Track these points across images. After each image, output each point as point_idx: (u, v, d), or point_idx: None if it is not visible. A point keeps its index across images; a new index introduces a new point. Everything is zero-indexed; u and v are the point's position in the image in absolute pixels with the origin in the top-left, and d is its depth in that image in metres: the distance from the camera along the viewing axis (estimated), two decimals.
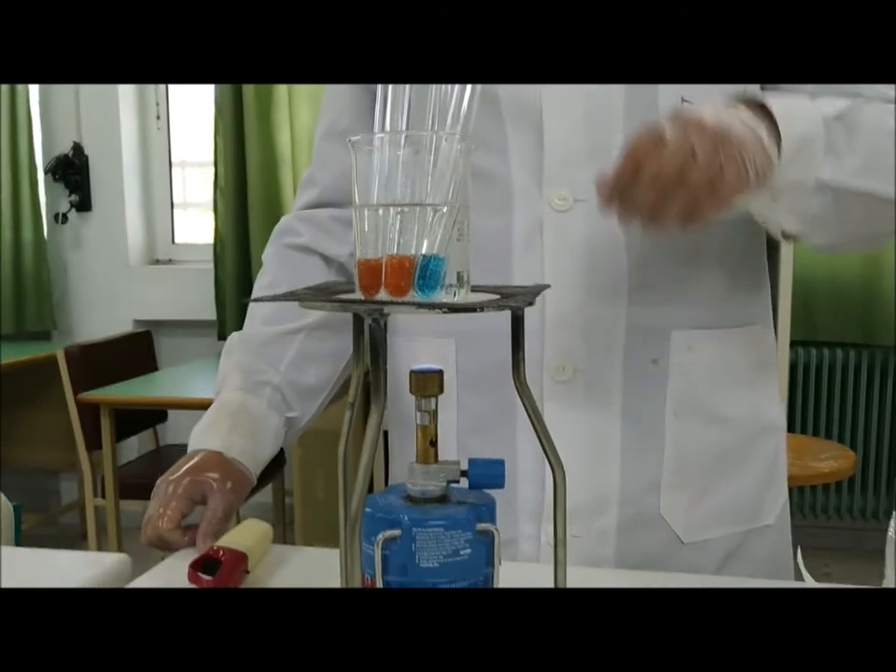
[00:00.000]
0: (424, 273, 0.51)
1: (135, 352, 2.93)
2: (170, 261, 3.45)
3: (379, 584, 0.53)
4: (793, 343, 2.72)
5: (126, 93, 3.29)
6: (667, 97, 0.76)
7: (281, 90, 3.04)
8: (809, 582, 0.66)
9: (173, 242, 3.46)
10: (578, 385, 0.79)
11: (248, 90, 3.01)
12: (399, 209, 0.53)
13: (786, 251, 2.53)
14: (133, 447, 3.13)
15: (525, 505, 0.81)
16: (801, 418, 2.74)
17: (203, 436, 0.86)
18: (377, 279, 0.52)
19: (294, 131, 3.06)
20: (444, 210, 0.52)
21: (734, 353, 0.83)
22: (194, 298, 3.26)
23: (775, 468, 0.88)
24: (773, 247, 2.97)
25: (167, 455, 2.90)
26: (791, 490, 0.97)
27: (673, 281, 0.79)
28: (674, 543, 0.81)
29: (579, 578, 0.71)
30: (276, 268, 0.93)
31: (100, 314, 3.32)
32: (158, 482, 0.82)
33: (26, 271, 3.25)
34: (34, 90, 3.27)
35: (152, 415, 2.92)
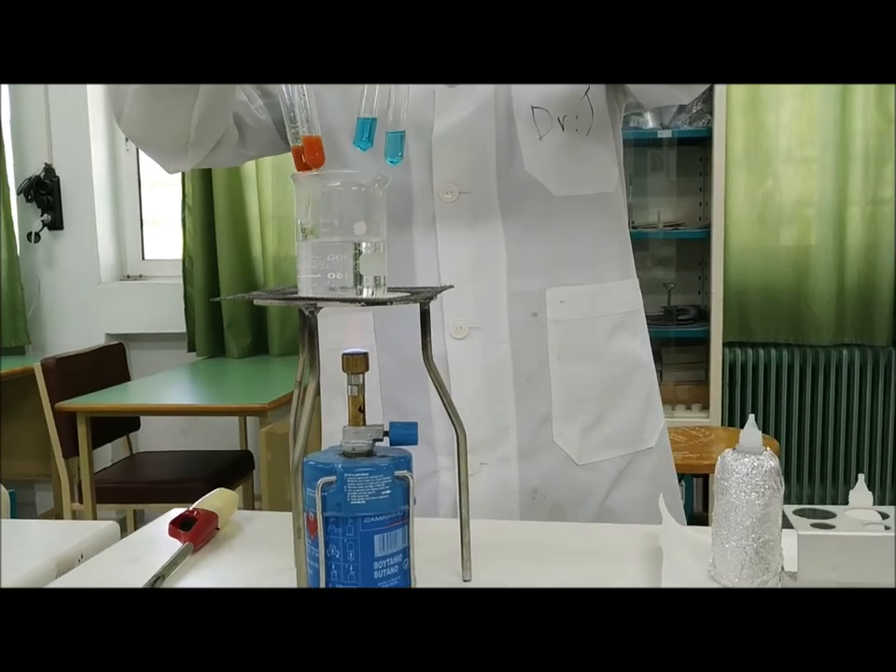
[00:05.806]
0: (364, 131, 0.71)
1: (109, 364, 3.01)
2: (140, 277, 3.56)
3: (319, 520, 0.69)
4: (730, 344, 2.92)
5: (96, 116, 3.40)
6: (521, 105, 0.94)
7: None
8: (667, 522, 0.80)
9: (143, 258, 3.56)
10: (473, 340, 0.96)
11: None
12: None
13: (717, 261, 2.72)
14: (107, 455, 3.21)
15: (441, 441, 0.97)
16: (740, 413, 2.92)
17: None
18: None
19: None
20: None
21: (602, 303, 1.00)
22: (164, 312, 3.37)
23: (650, 398, 1.05)
24: (706, 255, 3.12)
25: (141, 462, 2.98)
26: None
27: (544, 255, 0.97)
28: (569, 465, 0.98)
29: (487, 529, 0.87)
30: None
31: (73, 329, 3.41)
32: None
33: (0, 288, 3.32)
34: (5, 112, 3.36)
35: (125, 424, 3.01)
